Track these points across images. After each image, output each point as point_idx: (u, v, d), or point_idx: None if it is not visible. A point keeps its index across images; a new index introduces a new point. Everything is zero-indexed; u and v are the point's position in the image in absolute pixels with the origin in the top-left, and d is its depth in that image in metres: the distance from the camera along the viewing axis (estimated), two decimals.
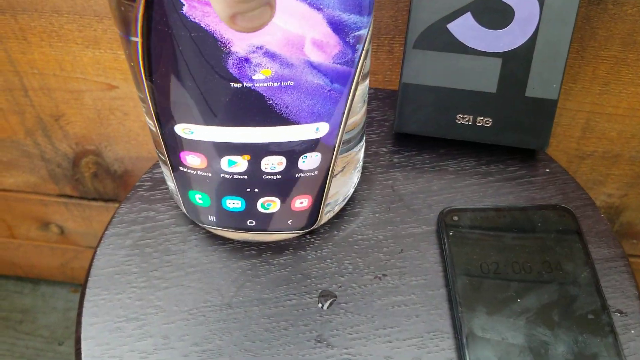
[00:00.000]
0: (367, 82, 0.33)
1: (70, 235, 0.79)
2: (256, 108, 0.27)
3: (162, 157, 0.32)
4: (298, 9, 0.24)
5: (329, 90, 0.27)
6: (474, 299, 0.32)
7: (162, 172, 0.40)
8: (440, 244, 0.36)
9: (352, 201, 0.38)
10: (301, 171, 0.31)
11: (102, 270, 0.35)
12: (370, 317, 0.33)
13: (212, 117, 0.28)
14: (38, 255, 0.83)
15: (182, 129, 0.28)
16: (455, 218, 0.36)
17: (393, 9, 0.48)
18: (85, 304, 0.33)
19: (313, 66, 0.26)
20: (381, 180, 0.40)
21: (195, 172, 0.31)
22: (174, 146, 0.30)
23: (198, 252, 0.36)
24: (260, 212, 0.32)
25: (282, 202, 0.32)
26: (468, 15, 0.37)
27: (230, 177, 0.30)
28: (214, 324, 0.33)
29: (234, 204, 0.32)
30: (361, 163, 0.37)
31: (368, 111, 0.44)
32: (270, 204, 0.32)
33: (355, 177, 0.37)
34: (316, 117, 0.28)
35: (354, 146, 0.34)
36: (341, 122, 0.29)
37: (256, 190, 0.31)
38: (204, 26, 0.24)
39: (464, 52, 0.37)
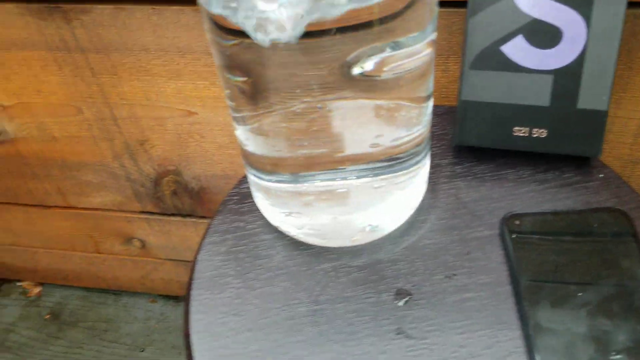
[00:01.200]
0: (431, 100, 0.38)
1: (150, 249, 0.85)
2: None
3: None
4: None
5: None
6: (537, 294, 0.36)
7: (248, 187, 0.45)
8: (503, 246, 0.39)
9: (419, 210, 0.42)
10: None
11: (203, 274, 0.40)
12: (443, 312, 0.36)
13: None
14: (121, 268, 0.90)
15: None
16: (517, 222, 0.40)
17: (447, 32, 0.52)
18: (192, 302, 0.38)
19: None
20: (445, 190, 0.44)
21: None
22: None
23: (284, 256, 0.41)
24: None
25: None
26: (520, 37, 0.40)
27: None
28: (303, 318, 0.37)
29: None
30: (426, 175, 0.42)
31: (431, 126, 0.48)
32: None
33: (422, 188, 0.41)
34: None
35: (422, 159, 0.38)
36: None
37: None
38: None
39: (517, 70, 0.41)
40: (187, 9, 0.54)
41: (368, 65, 0.33)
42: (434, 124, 0.48)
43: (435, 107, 0.50)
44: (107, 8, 0.55)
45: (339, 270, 0.39)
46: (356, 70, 0.33)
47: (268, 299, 0.38)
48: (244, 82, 0.34)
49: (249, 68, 0.33)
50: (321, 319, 0.37)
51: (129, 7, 0.54)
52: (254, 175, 0.40)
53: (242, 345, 0.36)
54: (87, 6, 0.55)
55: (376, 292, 0.38)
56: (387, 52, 0.33)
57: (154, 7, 0.54)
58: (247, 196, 0.45)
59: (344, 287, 0.39)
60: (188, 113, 0.64)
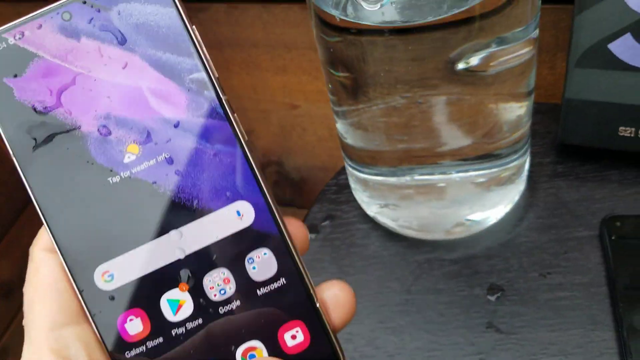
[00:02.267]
0: (532, 97, 0.38)
1: None
2: (151, 206, 0.22)
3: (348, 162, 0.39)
4: (111, 53, 0.22)
5: (214, 155, 0.22)
6: (634, 297, 0.35)
7: (346, 178, 0.46)
8: (602, 247, 0.39)
9: (517, 207, 0.42)
10: (259, 284, 0.22)
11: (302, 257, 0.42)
12: (535, 309, 0.36)
13: (119, 243, 0.22)
14: None
15: (102, 277, 0.22)
16: (618, 224, 0.39)
17: (554, 28, 0.51)
18: None
19: (174, 125, 0.22)
20: (545, 188, 0.43)
21: None
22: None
23: (379, 246, 0.42)
24: None
25: (268, 345, 0.22)
26: (628, 35, 0.39)
27: (182, 331, 0.22)
28: (395, 306, 0.38)
29: None
30: (526, 172, 0.41)
31: (532, 124, 0.47)
32: (253, 355, 0.23)
33: (521, 185, 0.41)
34: (227, 197, 0.23)
35: (522, 156, 0.38)
36: (268, 198, 0.23)
37: (223, 340, 0.23)
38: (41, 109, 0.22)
39: (624, 69, 0.40)
40: (295, 7, 0.56)
41: (473, 60, 0.34)
42: (537, 122, 0.48)
43: (540, 104, 0.49)
44: (222, 6, 0.58)
45: (432, 262, 0.40)
46: (461, 66, 0.34)
47: (362, 285, 0.40)
48: (346, 77, 0.36)
49: (351, 64, 0.35)
50: (412, 308, 0.38)
51: (242, 5, 0.57)
52: (353, 168, 0.42)
53: None
54: (205, 5, 0.59)
55: (469, 285, 0.39)
56: (492, 48, 0.34)
57: (265, 5, 0.56)
58: (345, 187, 0.46)
59: (436, 279, 0.39)
60: (292, 106, 0.66)
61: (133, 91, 0.22)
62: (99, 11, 0.22)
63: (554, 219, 0.41)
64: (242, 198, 0.23)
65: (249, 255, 0.23)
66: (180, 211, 0.22)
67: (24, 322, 0.22)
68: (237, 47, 0.62)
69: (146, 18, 0.22)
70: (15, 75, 0.22)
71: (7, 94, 0.22)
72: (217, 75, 0.23)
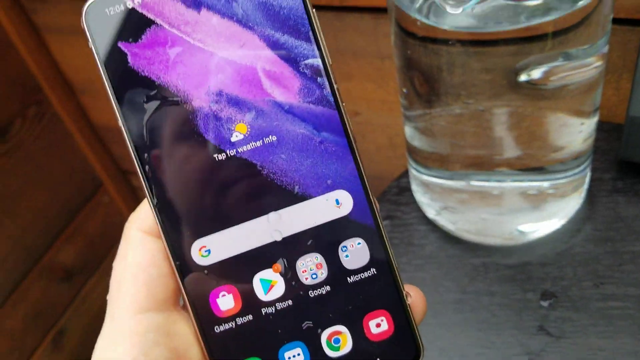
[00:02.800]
0: (597, 115, 0.39)
1: None
2: (254, 186, 0.23)
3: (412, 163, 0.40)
4: (229, 28, 0.22)
5: (320, 142, 0.23)
6: None
7: (407, 181, 0.48)
8: None
9: (575, 219, 0.43)
10: (350, 272, 0.23)
11: None
12: (586, 316, 0.37)
13: (218, 220, 0.23)
14: None
15: (199, 252, 0.23)
16: None
17: (621, 50, 0.52)
18: None
19: (284, 108, 0.22)
20: (604, 203, 0.44)
21: None
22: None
23: (436, 247, 0.44)
24: (331, 357, 0.23)
25: (352, 330, 0.23)
26: None
27: (272, 310, 0.23)
28: (449, 304, 0.40)
29: (294, 356, 0.23)
30: (586, 186, 0.42)
31: (595, 140, 0.48)
32: (338, 340, 0.23)
33: (579, 199, 0.42)
34: (328, 185, 0.23)
35: (582, 171, 0.39)
36: (367, 190, 0.23)
37: (310, 323, 0.23)
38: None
39: None
40: (366, 16, 0.59)
41: (535, 73, 0.36)
42: (600, 139, 0.49)
43: (604, 123, 0.50)
44: None
45: (488, 266, 0.42)
46: (523, 78, 0.35)
47: (417, 282, 0.41)
48: (419, 82, 0.38)
49: (425, 70, 0.37)
50: (466, 307, 0.39)
51: (316, 12, 0.60)
52: (416, 170, 0.44)
53: None
54: None
55: (522, 290, 0.40)
56: (557, 62, 0.35)
57: (337, 12, 0.59)
58: (406, 189, 0.48)
59: (491, 282, 0.41)
60: (353, 113, 0.69)
61: (247, 70, 0.22)
62: None
63: (610, 232, 0.42)
64: (342, 187, 0.23)
65: (343, 244, 0.23)
66: (281, 194, 0.23)
67: (108, 297, 0.22)
68: None
69: None
70: (131, 41, 0.21)
71: (121, 59, 0.21)
72: (331, 62, 0.22)
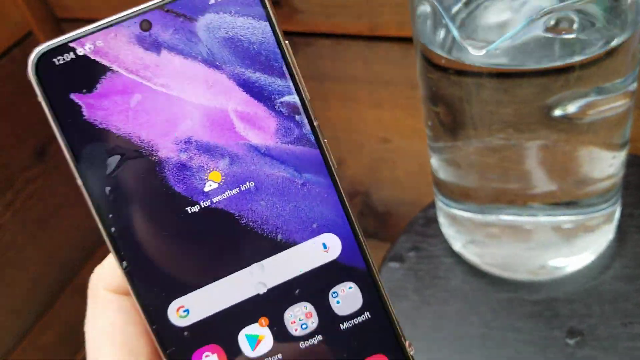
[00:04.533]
0: (626, 148, 0.38)
1: None
2: (232, 238, 0.21)
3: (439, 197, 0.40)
4: (194, 69, 0.20)
5: (302, 184, 0.21)
6: None
7: (435, 212, 0.48)
8: None
9: (604, 255, 0.43)
10: (343, 319, 0.22)
11: (384, 284, 0.44)
12: (614, 356, 0.37)
13: (195, 277, 0.21)
14: None
15: (176, 312, 0.21)
16: None
17: None
18: None
19: (260, 151, 0.21)
20: (635, 239, 0.43)
21: None
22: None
23: (462, 280, 0.43)
24: None
25: None
26: None
27: None
28: (473, 339, 0.39)
29: None
30: (615, 222, 0.42)
31: (625, 175, 0.48)
32: None
33: (609, 234, 0.41)
34: (313, 229, 0.21)
35: (612, 205, 0.39)
36: (356, 230, 0.21)
37: None
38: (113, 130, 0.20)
39: None
40: (396, 46, 0.59)
41: (570, 108, 0.35)
42: (631, 174, 0.48)
43: (636, 156, 0.50)
44: (328, 41, 0.62)
45: (514, 301, 0.41)
46: (558, 112, 0.35)
47: (442, 315, 0.41)
48: (445, 114, 0.38)
49: (451, 102, 0.37)
50: (490, 343, 0.39)
51: (346, 41, 0.60)
52: (442, 202, 0.44)
53: (419, 349, 0.39)
54: (311, 39, 0.63)
55: (548, 327, 0.39)
56: (591, 97, 0.35)
57: (368, 42, 0.60)
58: (433, 220, 0.48)
59: (516, 318, 0.40)
60: (384, 140, 0.69)
61: (218, 113, 0.20)
62: (182, 21, 0.20)
63: None
64: (329, 230, 0.21)
65: (333, 289, 0.21)
66: (263, 243, 0.21)
67: None
68: (337, 81, 0.65)
69: (236, 31, 0.20)
70: (85, 91, 0.20)
71: (75, 113, 0.19)
72: (309, 97, 0.20)
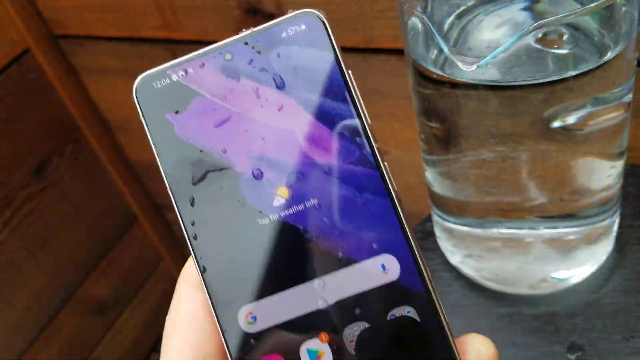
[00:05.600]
0: (624, 158, 0.38)
1: None
2: (297, 251, 0.22)
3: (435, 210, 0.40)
4: (267, 94, 0.22)
5: (362, 204, 0.22)
6: None
7: (432, 226, 0.48)
8: None
9: (604, 268, 0.42)
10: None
11: None
12: None
13: (264, 285, 0.22)
14: None
15: (245, 318, 0.23)
16: None
17: None
18: None
19: (324, 170, 0.22)
20: (634, 251, 0.43)
21: None
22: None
23: (460, 295, 0.43)
24: None
25: None
26: None
27: None
28: None
29: None
30: (614, 234, 0.41)
31: (623, 186, 0.47)
32: None
33: (608, 246, 0.41)
34: (373, 249, 0.22)
35: (611, 216, 0.38)
36: (415, 254, 0.22)
37: None
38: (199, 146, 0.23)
39: None
40: (392, 58, 0.59)
41: (570, 119, 0.35)
42: (630, 184, 0.47)
43: (635, 167, 0.49)
44: None
45: (513, 316, 0.41)
46: (556, 124, 0.35)
47: None
48: (439, 128, 0.38)
49: (444, 115, 0.37)
50: None
51: (342, 54, 0.60)
52: (439, 216, 0.43)
53: None
54: None
55: (549, 342, 0.39)
56: (589, 108, 0.34)
57: (364, 55, 0.59)
58: (430, 234, 0.48)
59: (516, 333, 0.40)
60: (382, 152, 0.69)
61: (286, 134, 0.22)
62: (259, 53, 0.22)
63: None
64: (388, 251, 0.22)
65: (391, 312, 0.22)
66: (325, 259, 0.22)
67: (161, 352, 0.23)
68: None
69: (304, 62, 0.22)
70: (177, 112, 0.23)
71: (169, 130, 0.23)
72: (369, 122, 0.22)
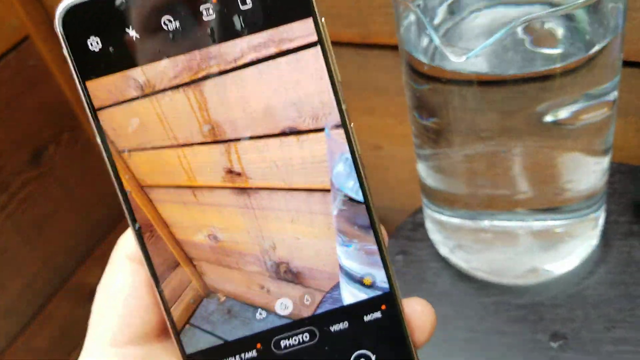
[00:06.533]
0: (609, 154, 0.39)
1: None
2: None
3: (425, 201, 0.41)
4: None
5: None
6: None
7: (422, 218, 0.49)
8: None
9: (589, 261, 0.43)
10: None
11: None
12: (596, 359, 0.37)
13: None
14: None
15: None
16: None
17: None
18: None
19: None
20: (618, 246, 0.44)
21: None
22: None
23: (449, 285, 0.44)
24: None
25: None
26: None
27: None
28: (459, 342, 0.40)
29: None
30: (600, 228, 0.42)
31: (610, 182, 0.48)
32: None
33: (594, 240, 0.42)
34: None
35: (596, 210, 0.40)
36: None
37: None
38: None
39: None
40: (389, 54, 0.60)
41: (562, 113, 0.36)
42: (616, 181, 0.49)
43: (621, 165, 0.50)
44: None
45: (499, 305, 0.42)
46: (548, 118, 0.36)
47: None
48: (431, 122, 0.39)
49: (436, 110, 0.38)
50: (476, 346, 0.40)
51: (337, 48, 0.61)
52: (429, 208, 0.44)
53: None
54: None
55: (533, 331, 0.40)
56: (580, 103, 0.36)
57: (359, 49, 0.60)
58: (420, 225, 0.49)
59: (501, 322, 0.41)
60: (375, 147, 0.70)
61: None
62: None
63: (624, 276, 0.42)
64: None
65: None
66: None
67: (89, 324, 0.22)
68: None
69: None
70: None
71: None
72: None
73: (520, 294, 0.42)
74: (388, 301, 0.23)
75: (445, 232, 0.44)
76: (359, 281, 0.22)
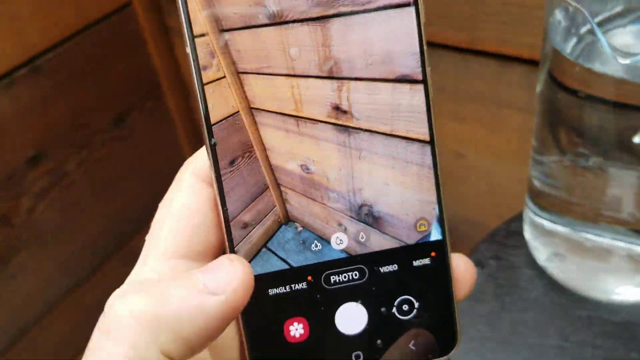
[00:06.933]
0: None
1: None
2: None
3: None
4: None
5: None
6: None
7: (517, 226, 0.49)
8: None
9: None
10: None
11: None
12: None
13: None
14: None
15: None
16: None
17: None
18: None
19: None
20: None
21: None
22: None
23: (542, 293, 0.44)
24: None
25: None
26: None
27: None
28: (550, 349, 0.40)
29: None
30: None
31: None
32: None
33: None
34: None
35: None
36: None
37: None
38: None
39: None
40: (492, 62, 0.60)
41: None
42: None
43: None
44: None
45: (593, 319, 0.42)
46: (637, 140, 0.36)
47: (520, 323, 0.42)
48: (557, 131, 0.39)
49: (565, 120, 0.38)
50: (566, 357, 0.40)
51: (440, 51, 0.62)
52: (535, 213, 0.44)
53: (490, 352, 0.40)
54: None
55: (626, 349, 0.40)
56: None
57: (463, 55, 0.61)
58: (515, 234, 0.49)
59: (595, 336, 0.41)
60: (458, 155, 0.70)
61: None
62: None
63: None
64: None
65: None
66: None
67: (146, 238, 0.21)
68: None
69: None
70: None
71: None
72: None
73: (615, 311, 0.42)
74: (438, 249, 0.23)
75: (544, 239, 0.44)
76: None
